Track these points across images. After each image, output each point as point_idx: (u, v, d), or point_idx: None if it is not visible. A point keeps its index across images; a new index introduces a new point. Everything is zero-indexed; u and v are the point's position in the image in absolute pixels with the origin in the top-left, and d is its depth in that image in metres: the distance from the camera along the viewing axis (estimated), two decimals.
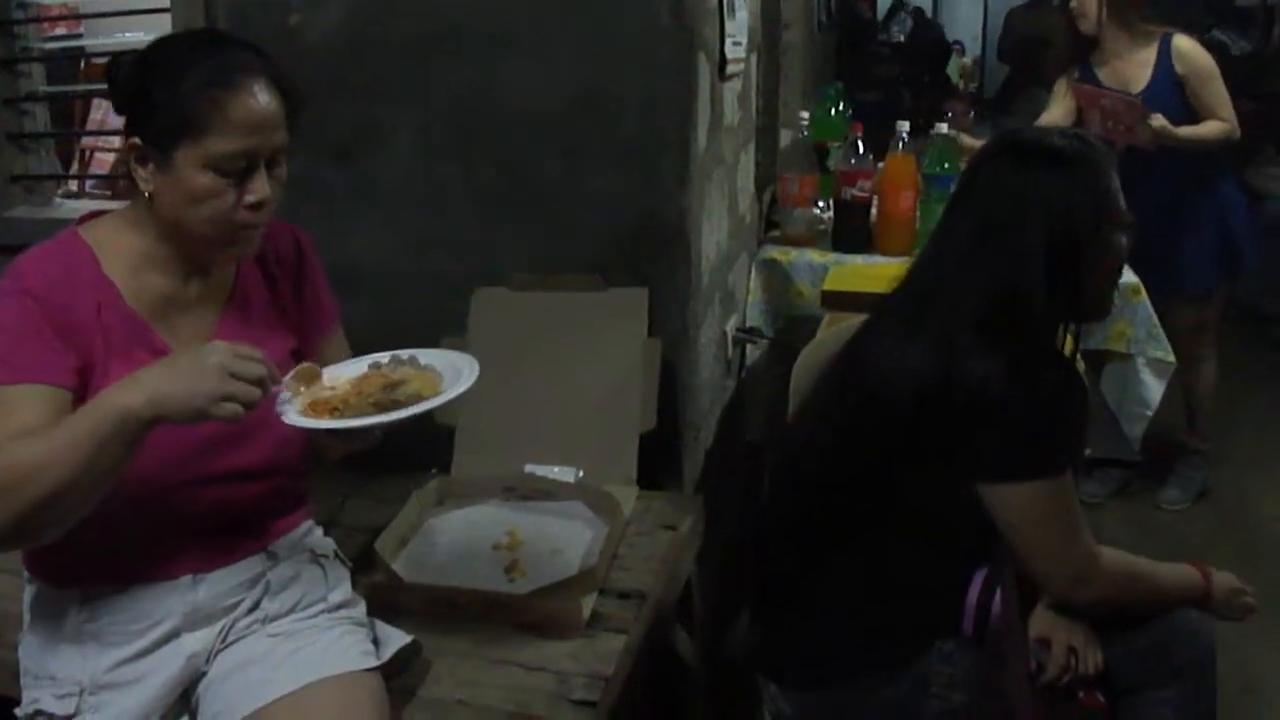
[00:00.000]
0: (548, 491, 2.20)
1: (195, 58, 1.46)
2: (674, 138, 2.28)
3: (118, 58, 1.52)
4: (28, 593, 1.64)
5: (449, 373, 1.54)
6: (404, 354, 1.58)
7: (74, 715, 1.53)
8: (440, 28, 2.37)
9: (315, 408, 1.48)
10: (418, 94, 2.42)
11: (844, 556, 1.69)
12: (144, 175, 1.48)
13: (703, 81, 2.32)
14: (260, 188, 1.48)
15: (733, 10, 2.54)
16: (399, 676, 1.68)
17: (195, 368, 1.34)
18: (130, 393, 1.33)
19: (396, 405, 1.47)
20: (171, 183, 1.46)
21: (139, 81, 1.47)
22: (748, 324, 3.13)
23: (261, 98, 1.46)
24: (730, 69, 2.58)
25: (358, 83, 2.45)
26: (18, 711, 1.59)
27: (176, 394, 1.32)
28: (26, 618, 1.64)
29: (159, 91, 1.45)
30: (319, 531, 1.81)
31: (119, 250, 1.54)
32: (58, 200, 3.09)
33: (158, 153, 1.46)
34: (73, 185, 3.23)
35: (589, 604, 1.84)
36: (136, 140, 1.47)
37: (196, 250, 1.54)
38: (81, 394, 1.46)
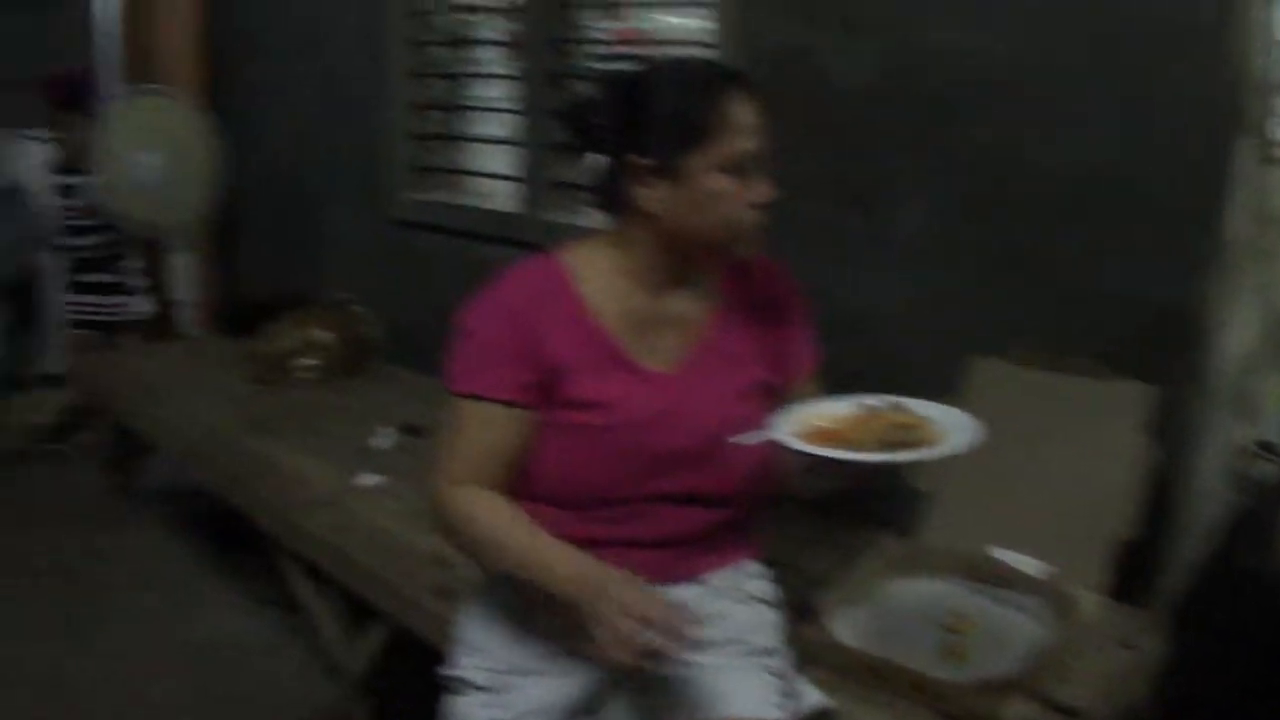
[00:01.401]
0: (1008, 580, 2.10)
1: (686, 73, 1.59)
2: (1202, 222, 2.09)
3: (581, 101, 1.67)
4: (480, 569, 1.78)
5: (948, 426, 1.49)
6: (902, 400, 1.55)
7: (492, 690, 1.66)
8: (969, 81, 2.35)
9: (809, 437, 1.47)
10: (941, 148, 2.41)
11: None
12: (651, 194, 1.56)
13: (1243, 163, 2.11)
14: (765, 187, 1.56)
15: None
16: None
17: (603, 616, 1.42)
18: (573, 582, 1.47)
19: (905, 446, 1.44)
20: (685, 192, 1.55)
21: (635, 106, 1.56)
22: (1267, 438, 2.80)
23: (752, 102, 1.55)
24: None
25: (882, 132, 2.48)
26: (442, 670, 1.73)
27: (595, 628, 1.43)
28: (475, 593, 1.79)
29: (662, 106, 1.54)
30: (761, 573, 1.82)
31: (597, 269, 1.64)
32: (586, 209, 3.29)
33: (668, 166, 1.54)
34: None
35: (1017, 709, 1.74)
36: (643, 161, 1.55)
37: (701, 259, 1.62)
38: (545, 403, 1.59)
